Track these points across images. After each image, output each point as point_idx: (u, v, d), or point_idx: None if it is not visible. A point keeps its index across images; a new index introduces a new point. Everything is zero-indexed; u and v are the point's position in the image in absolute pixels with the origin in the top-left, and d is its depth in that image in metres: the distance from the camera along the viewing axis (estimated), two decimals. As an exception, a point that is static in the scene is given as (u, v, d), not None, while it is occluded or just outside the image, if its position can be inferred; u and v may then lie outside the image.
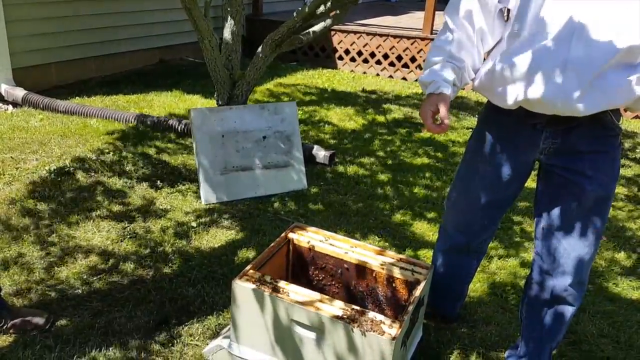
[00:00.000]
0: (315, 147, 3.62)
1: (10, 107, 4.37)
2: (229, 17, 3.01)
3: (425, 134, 4.33)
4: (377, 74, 6.35)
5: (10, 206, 2.76)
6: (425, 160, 3.88)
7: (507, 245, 2.79)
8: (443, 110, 1.45)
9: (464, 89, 5.61)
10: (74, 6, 4.87)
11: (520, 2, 1.40)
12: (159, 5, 5.63)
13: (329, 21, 2.92)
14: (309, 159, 3.54)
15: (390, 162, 3.80)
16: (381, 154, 3.94)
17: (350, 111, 4.85)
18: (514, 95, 1.45)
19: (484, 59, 1.57)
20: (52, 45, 4.80)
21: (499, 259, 2.65)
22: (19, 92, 4.35)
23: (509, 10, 1.44)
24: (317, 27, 2.91)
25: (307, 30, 2.93)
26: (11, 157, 3.33)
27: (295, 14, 2.83)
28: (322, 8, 2.73)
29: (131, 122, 4.04)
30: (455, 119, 4.86)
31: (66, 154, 3.43)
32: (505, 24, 1.47)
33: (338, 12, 2.90)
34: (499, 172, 1.64)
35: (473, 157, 1.73)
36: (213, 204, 3.00)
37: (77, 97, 4.65)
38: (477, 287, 2.40)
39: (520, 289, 2.36)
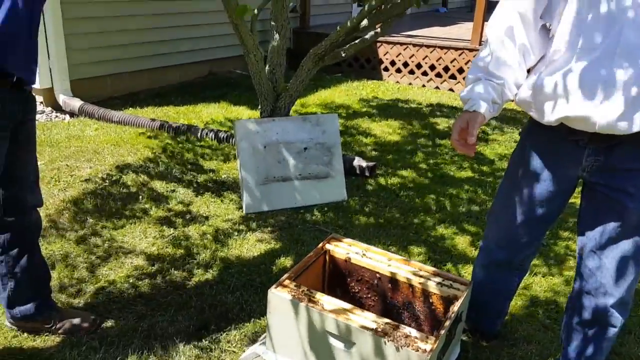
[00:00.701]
0: (357, 158, 3.63)
1: (67, 116, 4.60)
2: (275, 32, 3.08)
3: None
4: (423, 85, 6.31)
5: (64, 211, 2.90)
6: (470, 173, 3.82)
7: (551, 262, 2.71)
8: (471, 128, 1.43)
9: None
10: (128, 21, 5.09)
11: (563, 19, 1.38)
12: (207, 20, 5.80)
13: (372, 35, 2.94)
14: (350, 170, 3.55)
15: (433, 174, 3.76)
16: (424, 166, 3.91)
17: (394, 123, 4.84)
18: (554, 111, 1.43)
19: (527, 74, 1.54)
20: (107, 58, 5.03)
21: (543, 277, 2.57)
22: (76, 103, 4.57)
23: (551, 26, 1.42)
24: (360, 41, 2.94)
25: (350, 44, 2.96)
26: (66, 164, 3.50)
27: (338, 28, 2.86)
28: (365, 22, 2.75)
29: (179, 131, 4.17)
30: (500, 132, 4.76)
31: (118, 162, 3.58)
32: (548, 40, 1.45)
33: (382, 25, 2.91)
34: (541, 188, 1.61)
35: (515, 171, 1.71)
36: (254, 213, 3.06)
37: (130, 108, 4.85)
38: (518, 304, 2.34)
39: (563, 308, 2.29)
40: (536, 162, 1.60)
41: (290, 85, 3.19)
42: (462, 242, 2.87)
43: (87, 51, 4.83)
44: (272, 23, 3.09)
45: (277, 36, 3.10)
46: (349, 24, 2.79)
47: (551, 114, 1.44)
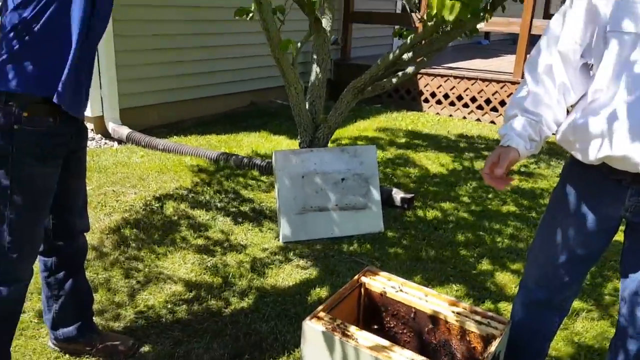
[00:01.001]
0: (394, 190, 3.62)
1: (115, 143, 4.79)
2: (316, 65, 3.15)
3: (514, 182, 4.19)
4: (464, 117, 6.27)
5: (109, 235, 3.00)
6: (512, 207, 3.75)
7: (595, 303, 2.60)
8: (501, 161, 1.43)
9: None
10: (175, 54, 5.31)
11: (604, 58, 1.37)
12: (250, 52, 5.98)
13: (411, 69, 2.97)
14: (388, 201, 3.55)
15: (473, 208, 3.71)
16: (464, 199, 3.86)
17: (434, 154, 4.81)
18: (596, 151, 1.40)
19: (568, 112, 1.53)
20: (155, 88, 5.23)
21: (585, 317, 2.48)
22: (124, 131, 4.76)
23: (592, 64, 1.41)
24: (400, 75, 2.97)
25: (390, 78, 2.99)
26: (113, 190, 3.63)
27: (379, 61, 2.91)
28: (405, 56, 2.79)
29: (220, 160, 4.27)
30: (546, 165, 4.67)
31: (161, 189, 3.69)
32: (589, 78, 1.44)
33: (422, 59, 2.94)
34: (582, 228, 1.57)
35: (556, 209, 1.67)
36: (290, 242, 3.08)
37: (174, 136, 5.00)
38: (559, 345, 2.26)
39: (606, 350, 2.19)
40: (577, 201, 1.57)
41: (330, 117, 3.24)
42: (502, 279, 2.80)
43: (136, 81, 5.04)
44: (314, 57, 3.16)
45: (317, 69, 3.16)
46: (389, 57, 2.83)
47: (593, 154, 1.42)
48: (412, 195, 3.61)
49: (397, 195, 3.57)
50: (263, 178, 4.00)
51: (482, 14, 2.40)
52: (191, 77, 5.54)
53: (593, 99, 1.41)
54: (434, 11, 2.01)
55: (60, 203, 1.82)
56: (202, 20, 5.44)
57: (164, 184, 3.78)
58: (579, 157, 1.50)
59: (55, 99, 1.57)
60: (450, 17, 2.11)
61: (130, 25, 4.73)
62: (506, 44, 10.47)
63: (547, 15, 10.19)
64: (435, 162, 4.61)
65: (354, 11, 6.90)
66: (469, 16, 2.13)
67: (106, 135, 4.88)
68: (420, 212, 3.57)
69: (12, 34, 1.55)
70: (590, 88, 1.43)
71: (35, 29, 1.53)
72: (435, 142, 5.23)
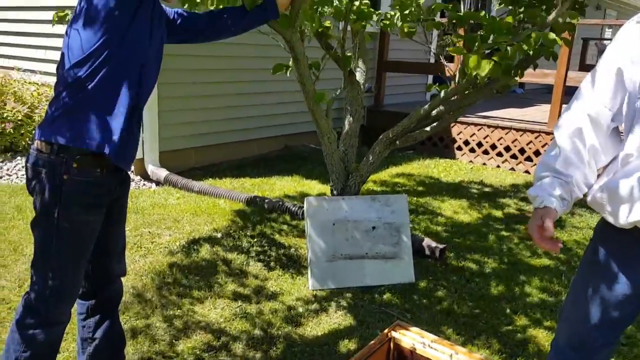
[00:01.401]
0: (426, 239, 3.60)
1: (153, 185, 4.94)
2: (349, 115, 3.22)
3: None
4: (498, 166, 6.23)
5: (142, 277, 3.07)
6: (545, 261, 3.67)
7: (636, 367, 2.50)
8: (548, 223, 1.43)
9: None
10: (213, 100, 5.51)
11: (635, 125, 1.38)
12: (283, 99, 6.15)
13: (444, 122, 3.01)
14: (419, 251, 3.53)
15: (506, 259, 3.65)
16: (497, 251, 3.81)
17: (466, 204, 4.78)
18: (626, 214, 1.40)
19: (599, 174, 1.53)
20: (193, 132, 5.42)
21: (626, 383, 2.38)
22: (162, 173, 4.91)
23: (623, 129, 1.43)
24: (431, 127, 3.02)
25: (422, 130, 3.04)
26: (149, 231, 3.73)
27: (411, 114, 2.96)
28: (437, 110, 2.84)
29: (253, 203, 4.35)
30: (579, 217, 4.58)
31: (195, 232, 3.77)
32: (620, 142, 1.45)
33: (454, 113, 2.99)
34: (614, 291, 1.54)
35: (587, 271, 1.65)
36: (320, 290, 3.09)
37: (209, 179, 5.13)
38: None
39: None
40: (609, 265, 1.54)
41: (362, 166, 3.29)
42: (534, 336, 2.73)
43: (176, 126, 5.23)
44: (347, 107, 3.24)
45: (351, 119, 3.24)
46: (421, 111, 2.89)
47: (624, 217, 1.41)
48: (444, 245, 3.59)
49: (429, 245, 3.55)
50: (295, 222, 4.04)
51: (514, 72, 2.44)
52: (228, 121, 5.72)
53: (624, 163, 1.41)
54: (470, 70, 2.05)
55: (101, 248, 1.89)
56: (239, 69, 5.65)
57: (198, 227, 3.86)
58: (610, 220, 1.49)
59: (107, 154, 1.66)
60: (483, 74, 2.15)
61: (171, 74, 4.95)
62: (541, 92, 10.44)
63: (583, 66, 10.17)
64: (467, 211, 4.58)
65: (388, 60, 7.05)
66: (501, 74, 2.17)
67: (145, 177, 5.04)
68: (452, 263, 3.53)
69: (67, 90, 1.66)
70: (622, 152, 1.43)
71: (89, 86, 1.64)
72: (467, 191, 5.20)
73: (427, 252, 3.55)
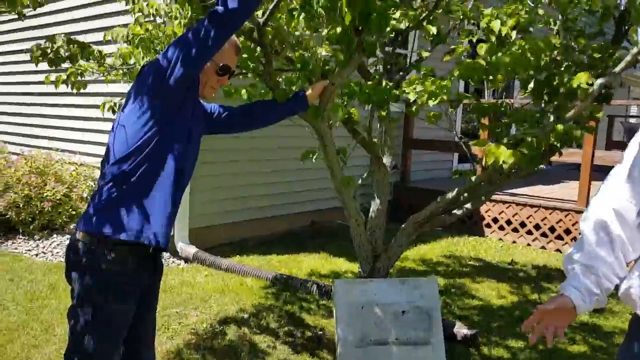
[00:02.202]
0: (457, 324, 3.51)
1: (182, 262, 4.99)
2: (376, 197, 3.27)
3: (581, 316, 3.98)
4: (528, 244, 6.13)
5: (169, 360, 3.05)
6: (583, 347, 3.52)
7: None
8: (549, 304, 1.48)
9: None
10: (242, 179, 5.67)
11: None
12: (309, 176, 6.27)
13: (471, 205, 3.03)
14: (450, 337, 3.43)
15: (541, 347, 3.51)
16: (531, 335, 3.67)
17: (498, 285, 4.68)
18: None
19: (630, 268, 1.52)
20: (222, 209, 5.53)
21: None
22: (191, 250, 4.98)
23: None
24: (459, 212, 3.04)
25: (450, 214, 3.06)
26: (176, 311, 3.73)
27: (439, 199, 3.00)
28: (464, 195, 2.87)
29: (280, 281, 4.34)
30: (617, 301, 4.41)
31: (222, 312, 3.76)
32: None
33: (482, 198, 3.01)
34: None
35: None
36: (349, 377, 3.00)
37: (237, 256, 5.17)
38: None
39: None
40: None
41: (390, 248, 3.29)
42: None
43: (206, 203, 5.35)
44: (374, 189, 3.29)
45: (378, 201, 3.28)
46: (448, 196, 2.92)
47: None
48: (476, 331, 3.48)
49: (460, 330, 3.45)
50: (323, 302, 4.00)
51: (540, 161, 2.47)
52: (255, 199, 5.84)
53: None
54: (500, 161, 2.10)
55: (132, 334, 1.91)
56: (268, 149, 5.84)
57: (225, 306, 3.85)
58: (641, 315, 1.46)
59: (146, 243, 1.73)
60: (509, 164, 2.19)
61: (204, 154, 5.10)
62: (568, 168, 10.38)
63: (610, 144, 10.16)
64: (498, 293, 4.47)
65: (413, 138, 7.18)
66: (527, 164, 2.21)
67: (174, 253, 5.11)
68: (485, 350, 3.41)
69: (110, 184, 1.76)
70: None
71: (132, 180, 1.73)
72: (498, 271, 5.10)
73: (459, 337, 3.45)
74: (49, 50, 2.76)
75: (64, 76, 3.26)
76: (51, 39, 2.82)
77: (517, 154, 2.12)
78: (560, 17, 2.69)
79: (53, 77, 3.32)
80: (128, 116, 1.79)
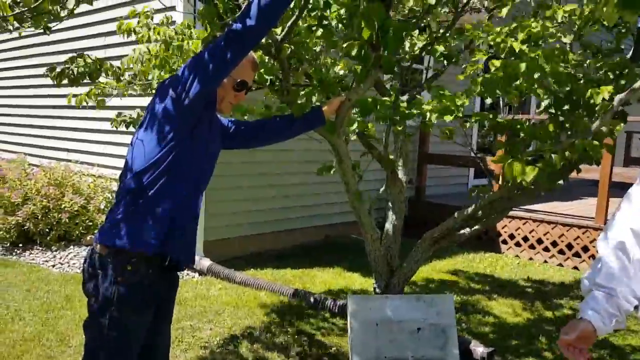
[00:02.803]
0: (473, 342, 3.46)
1: (197, 275, 5.00)
2: (392, 212, 3.26)
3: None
4: (545, 261, 6.04)
5: (183, 374, 3.04)
6: (602, 368, 3.45)
7: None
8: (571, 333, 1.44)
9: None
10: (257, 192, 5.69)
11: None
12: (323, 190, 6.28)
13: (488, 221, 3.00)
14: (466, 354, 3.38)
15: (558, 366, 3.45)
16: (548, 355, 3.61)
17: (514, 302, 4.61)
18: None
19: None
20: (236, 222, 5.55)
21: None
22: (206, 262, 4.99)
23: None
24: (477, 228, 3.01)
25: (466, 231, 3.03)
26: (190, 324, 3.73)
27: (456, 214, 2.97)
28: (481, 211, 2.84)
29: (294, 297, 4.33)
30: (635, 320, 4.32)
31: (235, 326, 3.75)
32: None
33: (496, 215, 2.98)
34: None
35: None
36: (363, 395, 2.97)
37: (251, 269, 5.17)
38: None
39: None
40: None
41: (405, 265, 3.27)
42: None
43: (221, 216, 5.37)
44: (390, 204, 3.28)
45: (394, 217, 3.27)
46: (465, 213, 2.90)
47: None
48: (492, 349, 3.43)
49: (477, 348, 3.40)
50: (337, 319, 3.97)
51: (558, 177, 2.45)
52: (270, 212, 5.85)
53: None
54: (514, 177, 2.08)
55: (147, 346, 1.92)
56: (283, 162, 5.86)
57: (239, 320, 3.85)
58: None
59: (162, 254, 1.74)
60: (527, 180, 2.17)
61: (220, 167, 5.14)
62: (585, 184, 10.25)
63: (628, 159, 10.02)
64: (515, 311, 4.40)
65: (429, 153, 7.15)
66: (545, 180, 2.19)
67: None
68: (500, 369, 3.36)
69: (128, 197, 1.77)
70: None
71: (150, 193, 1.75)
72: (515, 288, 5.02)
73: (475, 355, 3.40)
74: (67, 71, 2.78)
75: (84, 95, 3.31)
76: (71, 59, 2.86)
77: (536, 170, 2.10)
78: (573, 32, 2.68)
79: (72, 91, 3.38)
80: (146, 131, 1.81)
